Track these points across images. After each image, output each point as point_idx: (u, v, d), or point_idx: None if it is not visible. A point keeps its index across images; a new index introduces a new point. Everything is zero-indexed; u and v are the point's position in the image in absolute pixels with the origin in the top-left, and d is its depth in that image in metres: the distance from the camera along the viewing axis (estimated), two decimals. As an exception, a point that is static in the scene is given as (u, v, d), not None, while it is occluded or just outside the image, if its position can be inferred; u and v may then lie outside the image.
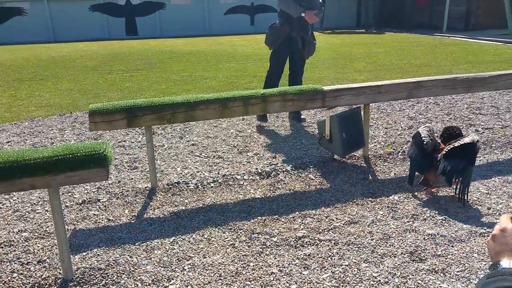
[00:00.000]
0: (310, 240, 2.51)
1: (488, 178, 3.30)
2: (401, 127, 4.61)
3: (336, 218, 2.76)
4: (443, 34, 14.83)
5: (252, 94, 3.32)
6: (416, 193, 3.07)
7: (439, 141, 3.05)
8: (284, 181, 3.38)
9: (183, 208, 2.97)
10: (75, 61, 10.24)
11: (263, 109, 3.41)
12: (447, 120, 4.77)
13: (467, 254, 2.33)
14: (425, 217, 2.74)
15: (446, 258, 2.30)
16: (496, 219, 2.68)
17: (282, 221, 2.75)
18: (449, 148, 2.86)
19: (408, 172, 3.18)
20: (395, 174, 3.45)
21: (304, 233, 2.59)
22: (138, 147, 4.17)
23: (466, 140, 2.84)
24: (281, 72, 4.80)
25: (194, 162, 3.79)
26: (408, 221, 2.70)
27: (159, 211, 2.92)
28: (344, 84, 3.70)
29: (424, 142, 2.96)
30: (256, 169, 3.60)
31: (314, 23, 4.62)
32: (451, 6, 15.67)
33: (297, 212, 2.86)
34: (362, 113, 3.71)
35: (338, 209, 2.89)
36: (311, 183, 3.33)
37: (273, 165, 3.67)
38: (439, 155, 2.91)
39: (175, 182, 3.35)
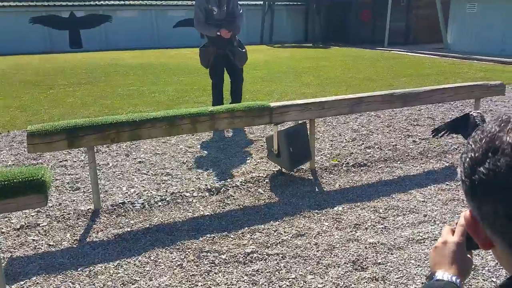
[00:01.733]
0: (259, 255, 2.53)
1: (424, 186, 3.48)
2: (345, 139, 4.77)
3: (284, 232, 2.80)
4: (384, 48, 15.53)
5: (200, 111, 3.32)
6: (358, 203, 3.18)
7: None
8: (233, 196, 3.38)
9: (129, 229, 2.89)
10: (14, 76, 9.77)
11: (212, 126, 3.41)
12: (387, 132, 4.98)
13: (405, 261, 2.44)
14: (366, 226, 2.85)
15: (385, 266, 2.40)
16: (431, 225, 2.83)
17: (231, 238, 2.75)
18: None
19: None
20: (339, 185, 3.55)
21: (253, 248, 2.61)
22: (81, 166, 4.03)
23: None
24: (222, 82, 5.37)
25: (141, 181, 3.71)
26: (351, 231, 2.79)
27: (102, 234, 2.83)
28: (291, 101, 3.79)
29: (477, 123, 3.43)
30: (206, 185, 3.58)
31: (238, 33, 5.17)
32: (391, 22, 16.48)
33: (246, 228, 2.87)
34: (308, 127, 3.81)
35: (286, 222, 2.93)
36: (261, 197, 3.37)
37: (223, 181, 3.67)
38: None
39: (120, 203, 3.26)
